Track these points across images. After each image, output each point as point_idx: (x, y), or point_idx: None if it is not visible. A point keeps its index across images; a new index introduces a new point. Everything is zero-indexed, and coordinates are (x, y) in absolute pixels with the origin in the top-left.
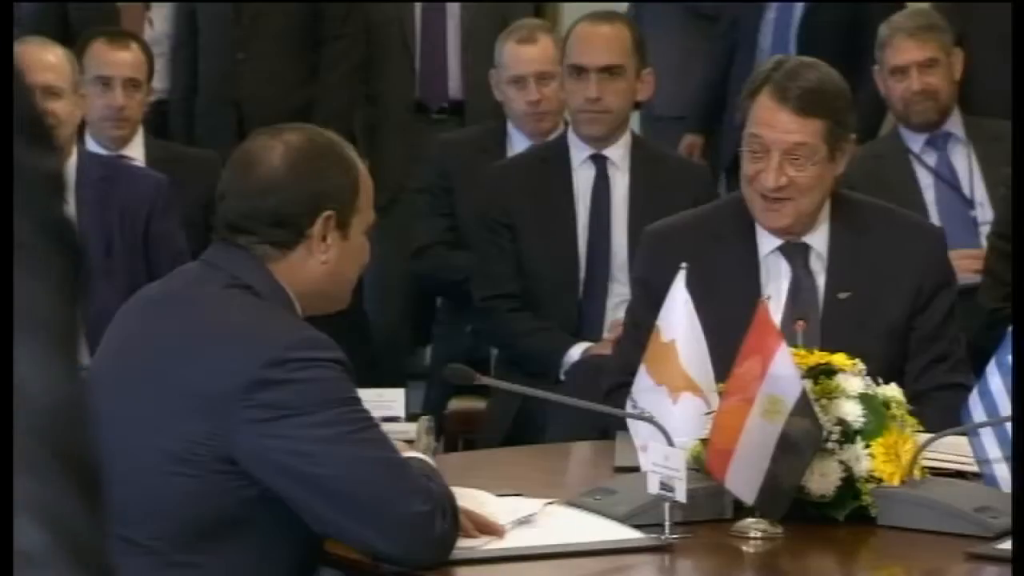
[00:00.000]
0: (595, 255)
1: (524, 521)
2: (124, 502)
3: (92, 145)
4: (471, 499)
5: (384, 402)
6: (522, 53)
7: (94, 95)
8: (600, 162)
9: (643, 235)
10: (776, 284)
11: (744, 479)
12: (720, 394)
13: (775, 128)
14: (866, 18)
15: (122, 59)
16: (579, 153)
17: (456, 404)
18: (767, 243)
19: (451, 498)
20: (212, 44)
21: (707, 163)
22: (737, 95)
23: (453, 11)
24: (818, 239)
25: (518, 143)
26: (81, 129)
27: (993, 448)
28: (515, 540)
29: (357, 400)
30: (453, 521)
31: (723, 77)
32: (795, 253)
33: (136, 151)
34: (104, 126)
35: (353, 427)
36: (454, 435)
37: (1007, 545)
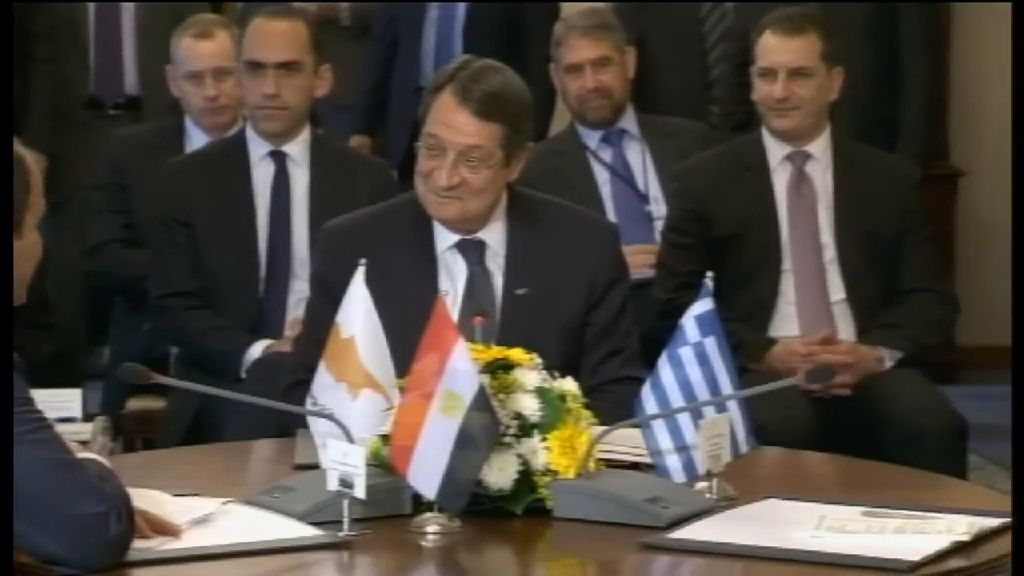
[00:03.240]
0: (275, 252)
1: (201, 520)
2: None
3: None
4: (147, 499)
5: (60, 402)
6: (198, 48)
7: None
8: (279, 158)
9: (320, 232)
10: (453, 281)
11: (425, 474)
12: (400, 390)
13: (453, 128)
14: (526, 18)
15: None
16: (258, 149)
17: (135, 404)
18: (443, 240)
19: (126, 499)
20: None
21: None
22: (402, 92)
23: (128, 6)
24: (494, 236)
25: (196, 139)
26: None
27: (665, 439)
28: (192, 540)
29: (29, 400)
30: (128, 522)
31: (386, 76)
32: (470, 250)
33: None
34: None
35: (24, 428)
36: (132, 435)
37: (678, 534)
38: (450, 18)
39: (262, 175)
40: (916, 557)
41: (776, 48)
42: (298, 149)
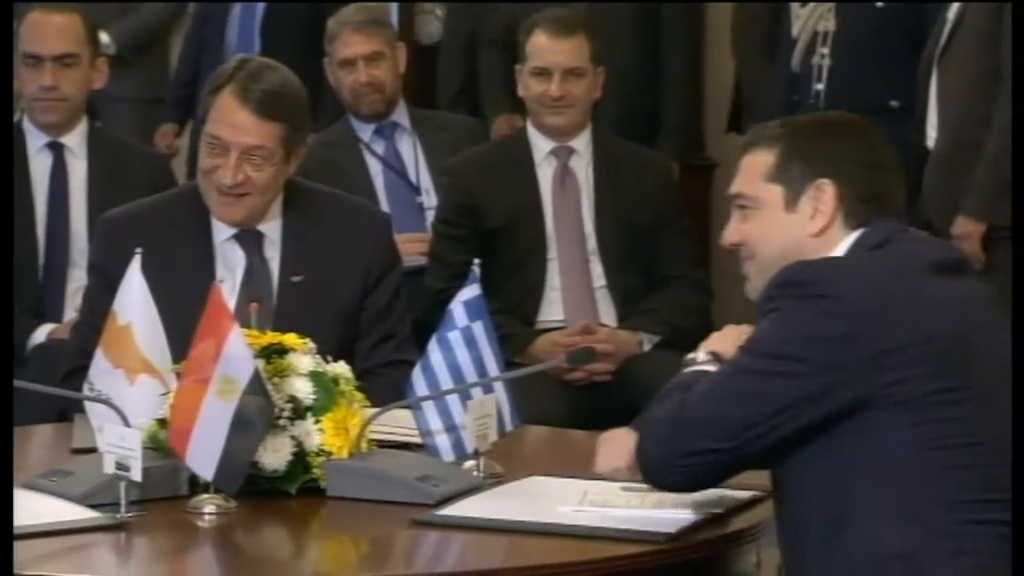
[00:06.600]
0: (54, 242)
1: None
2: None
3: None
4: None
5: None
6: None
7: None
8: (57, 149)
9: (98, 222)
10: (231, 270)
11: (203, 456)
12: (177, 375)
13: (235, 128)
14: (324, 15)
15: None
16: (36, 141)
17: None
18: (222, 231)
19: None
20: None
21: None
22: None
23: None
24: (272, 227)
25: None
26: None
27: (435, 420)
28: None
29: None
30: None
31: (199, 70)
32: (249, 240)
33: None
34: None
35: None
36: None
37: (448, 511)
38: (250, 16)
39: (40, 166)
40: (672, 529)
41: (550, 49)
42: (76, 140)
